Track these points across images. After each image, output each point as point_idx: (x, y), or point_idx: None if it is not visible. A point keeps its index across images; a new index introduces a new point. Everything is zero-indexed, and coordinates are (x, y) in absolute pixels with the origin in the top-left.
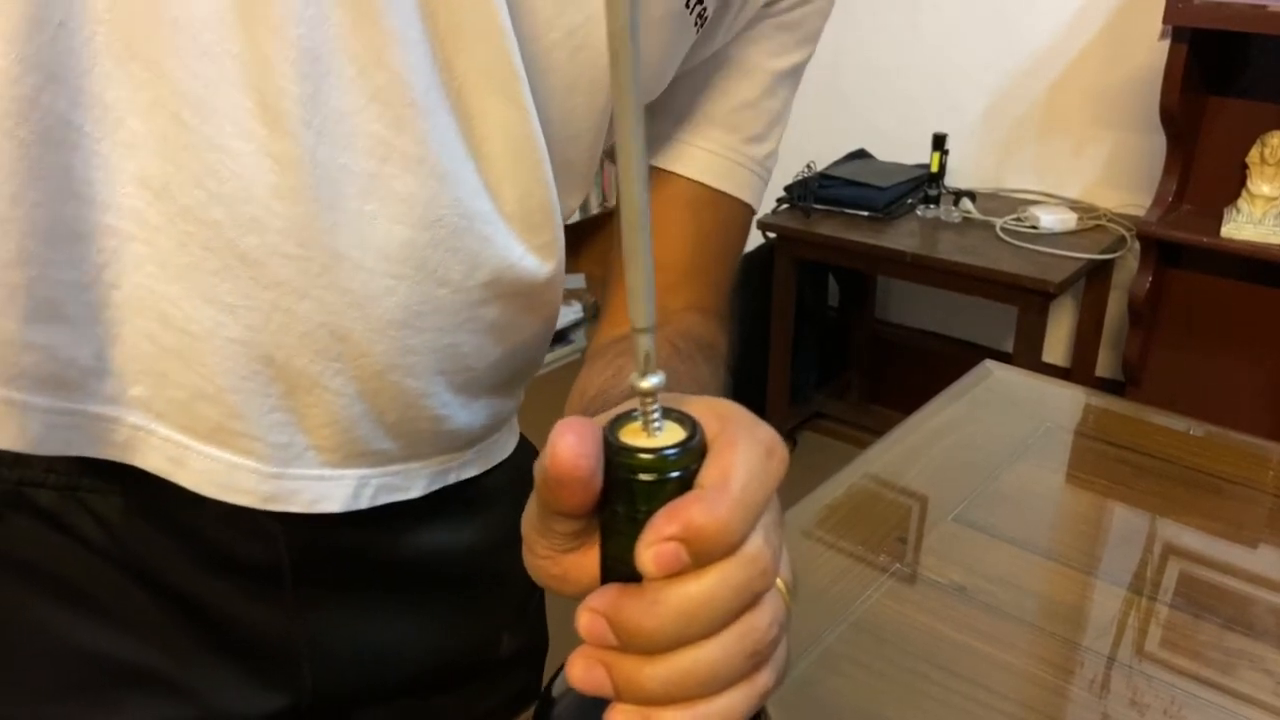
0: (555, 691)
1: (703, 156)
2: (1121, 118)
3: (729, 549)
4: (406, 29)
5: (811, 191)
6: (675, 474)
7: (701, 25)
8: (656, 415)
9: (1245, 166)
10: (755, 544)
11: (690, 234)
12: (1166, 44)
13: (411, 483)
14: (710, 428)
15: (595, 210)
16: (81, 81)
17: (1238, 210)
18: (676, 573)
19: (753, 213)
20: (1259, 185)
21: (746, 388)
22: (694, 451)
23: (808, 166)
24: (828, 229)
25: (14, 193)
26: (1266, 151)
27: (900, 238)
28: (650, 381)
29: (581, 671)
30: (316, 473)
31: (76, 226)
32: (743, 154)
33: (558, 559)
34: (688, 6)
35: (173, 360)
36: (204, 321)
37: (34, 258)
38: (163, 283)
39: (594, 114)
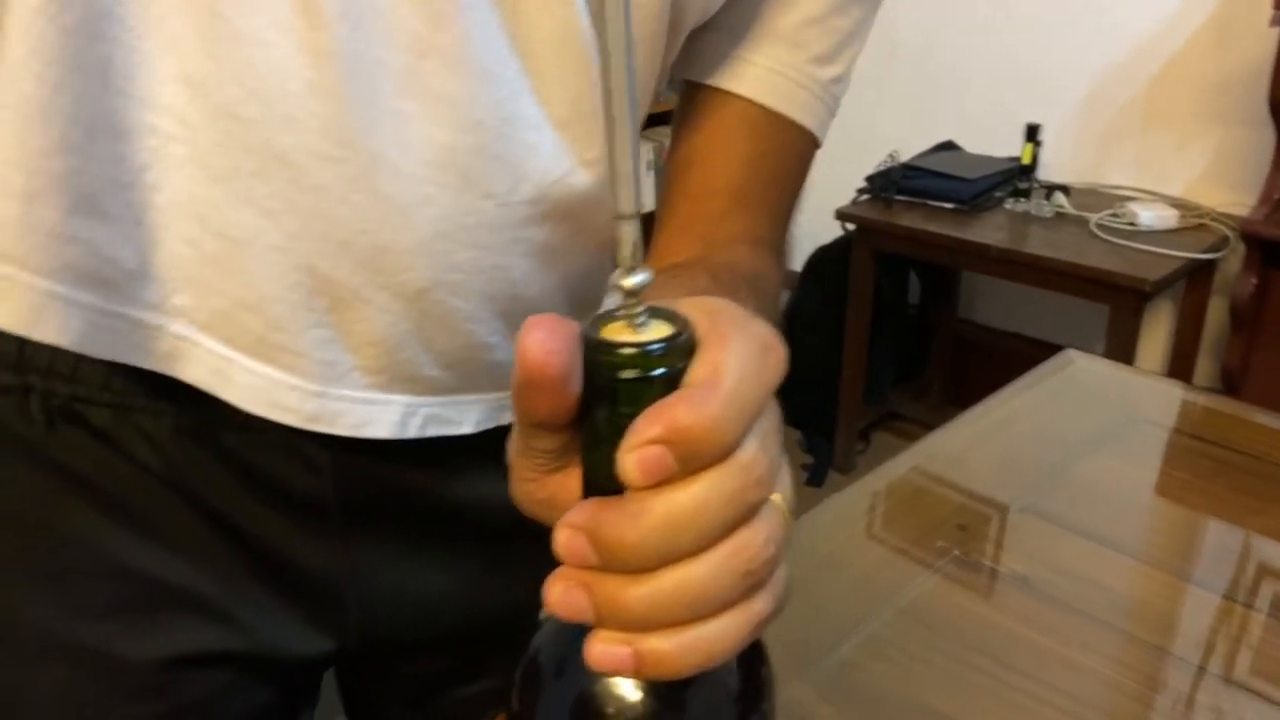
0: (541, 616)
1: (760, 75)
2: (1228, 111)
3: (719, 453)
4: None
5: (894, 182)
6: (660, 372)
7: None
8: (641, 314)
9: None
10: (749, 450)
11: (743, 158)
12: (1278, 31)
13: (463, 416)
14: (701, 325)
15: None
16: None
17: None
18: (662, 480)
19: (816, 143)
20: None
21: (818, 383)
22: (681, 348)
23: (890, 156)
24: (909, 220)
25: (56, 81)
26: None
27: (986, 231)
28: (634, 279)
29: (559, 594)
30: (362, 395)
31: (118, 123)
32: (806, 74)
33: (542, 481)
34: None
35: (213, 267)
36: (244, 227)
37: (75, 148)
38: (203, 185)
39: (651, 19)
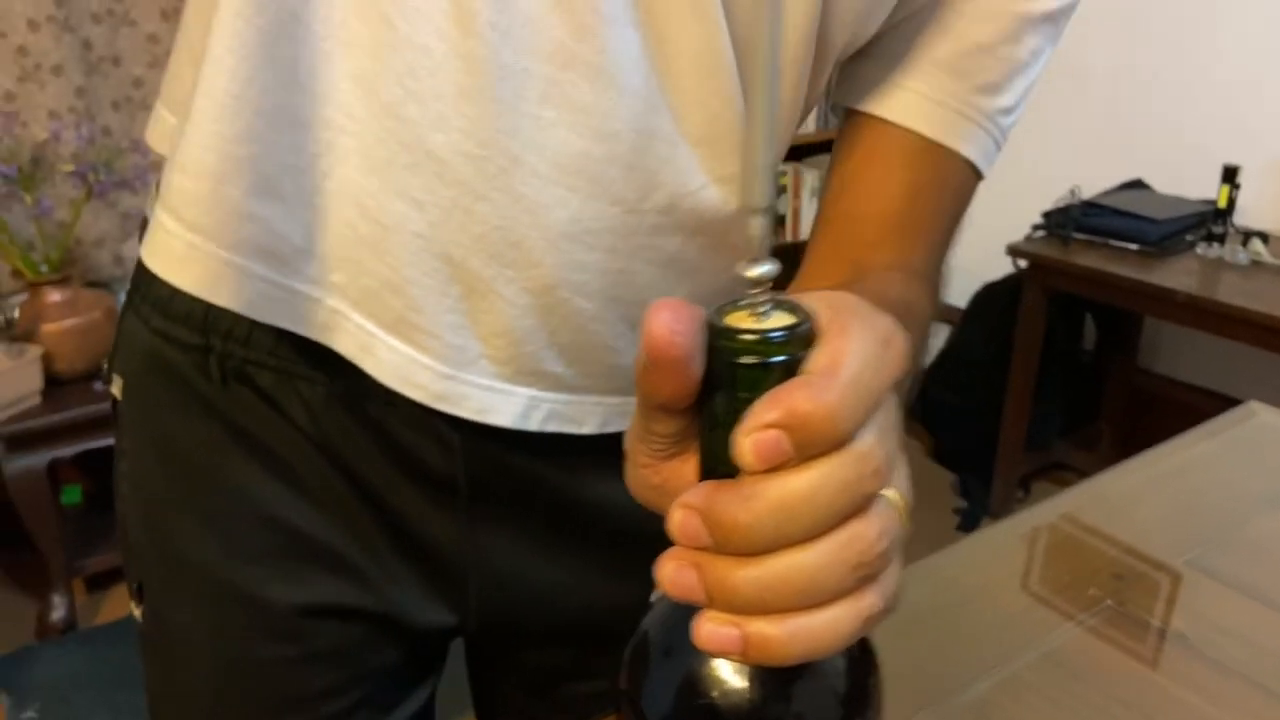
0: (652, 599)
1: (920, 104)
2: None
3: (836, 441)
4: None
5: (1074, 219)
6: (780, 359)
7: None
8: (765, 304)
9: None
10: (866, 441)
11: (900, 188)
12: None
13: (584, 416)
14: (822, 315)
15: None
16: None
17: None
18: (777, 465)
19: (978, 176)
20: None
21: (978, 425)
22: (801, 336)
23: (1071, 192)
24: (1088, 260)
25: (248, 75)
26: None
27: (1173, 275)
28: (760, 269)
29: (671, 573)
30: (487, 383)
31: (299, 114)
32: (969, 104)
33: (657, 467)
34: None
35: (366, 249)
36: (394, 214)
37: (259, 136)
38: (363, 175)
39: (795, 46)
